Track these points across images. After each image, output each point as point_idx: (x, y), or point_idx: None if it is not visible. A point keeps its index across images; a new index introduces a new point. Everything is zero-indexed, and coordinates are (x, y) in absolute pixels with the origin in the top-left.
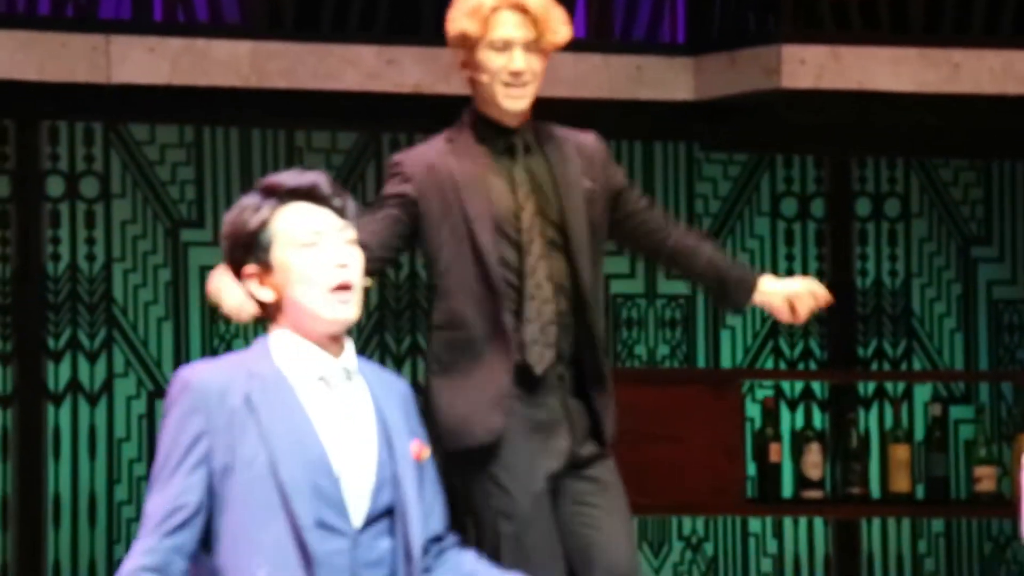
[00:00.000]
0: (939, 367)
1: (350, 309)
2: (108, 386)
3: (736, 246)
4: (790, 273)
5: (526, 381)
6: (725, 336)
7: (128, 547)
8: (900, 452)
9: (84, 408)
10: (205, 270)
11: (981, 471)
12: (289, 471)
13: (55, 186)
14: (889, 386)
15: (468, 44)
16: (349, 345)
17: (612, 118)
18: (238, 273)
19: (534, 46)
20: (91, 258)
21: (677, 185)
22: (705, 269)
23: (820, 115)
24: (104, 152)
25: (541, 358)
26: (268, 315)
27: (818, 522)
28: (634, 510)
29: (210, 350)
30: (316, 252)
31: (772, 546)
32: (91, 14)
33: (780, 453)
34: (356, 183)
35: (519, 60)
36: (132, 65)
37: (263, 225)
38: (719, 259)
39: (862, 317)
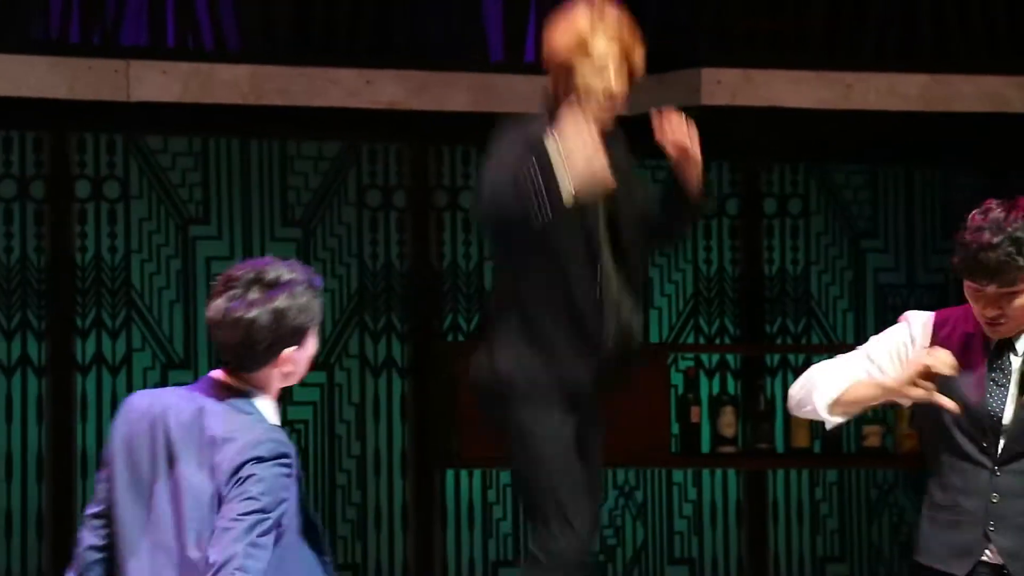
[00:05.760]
0: (834, 341)
1: None
2: (128, 359)
3: None
4: (708, 263)
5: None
6: (653, 316)
7: None
8: None
9: (107, 378)
10: (211, 260)
11: (868, 429)
12: None
13: (83, 189)
14: (792, 357)
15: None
16: None
17: None
18: None
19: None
20: (113, 250)
21: None
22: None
23: (734, 128)
24: (124, 160)
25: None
26: None
27: (731, 473)
28: None
29: None
30: None
31: (692, 494)
32: (114, 41)
33: (700, 415)
34: (340, 187)
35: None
36: (148, 85)
37: None
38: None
39: (769, 299)
